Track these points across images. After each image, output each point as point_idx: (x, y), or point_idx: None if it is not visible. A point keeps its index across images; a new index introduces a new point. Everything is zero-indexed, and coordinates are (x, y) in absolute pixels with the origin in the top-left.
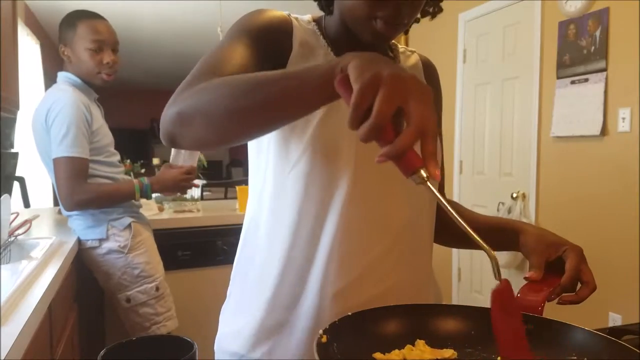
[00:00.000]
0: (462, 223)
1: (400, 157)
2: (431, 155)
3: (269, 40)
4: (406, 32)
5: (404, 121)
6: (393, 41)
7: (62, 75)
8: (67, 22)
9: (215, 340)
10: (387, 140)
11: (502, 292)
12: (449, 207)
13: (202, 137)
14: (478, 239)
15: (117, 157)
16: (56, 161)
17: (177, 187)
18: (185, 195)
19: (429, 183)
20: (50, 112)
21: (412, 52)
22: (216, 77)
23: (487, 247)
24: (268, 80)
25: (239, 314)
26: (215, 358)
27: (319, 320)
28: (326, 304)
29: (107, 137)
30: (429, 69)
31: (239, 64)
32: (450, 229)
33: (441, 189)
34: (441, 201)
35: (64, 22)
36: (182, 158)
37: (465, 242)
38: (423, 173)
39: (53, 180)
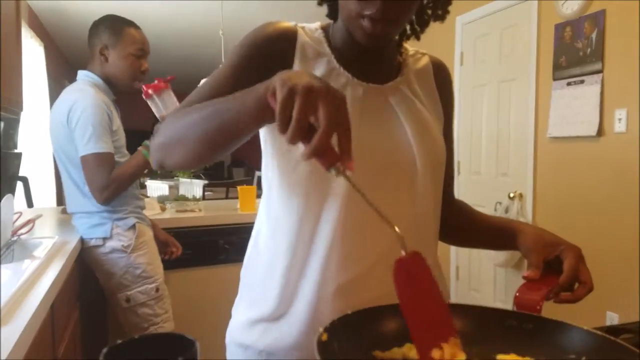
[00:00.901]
0: (372, 204)
1: (318, 155)
2: (345, 149)
3: (267, 57)
4: (418, 38)
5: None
6: (404, 45)
7: (83, 74)
8: (113, 26)
9: (227, 333)
10: (307, 143)
11: (408, 261)
12: (364, 194)
13: (181, 161)
14: (384, 216)
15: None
16: (84, 159)
17: None
18: (187, 195)
19: (347, 174)
20: (73, 111)
21: (423, 54)
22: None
23: (395, 228)
24: (218, 105)
25: (248, 307)
26: (227, 350)
27: (320, 315)
28: (327, 299)
29: (123, 138)
30: (439, 70)
31: (230, 92)
32: (460, 229)
33: (450, 190)
34: (358, 191)
35: (108, 25)
36: (163, 109)
37: (471, 242)
38: (340, 165)
39: (68, 179)
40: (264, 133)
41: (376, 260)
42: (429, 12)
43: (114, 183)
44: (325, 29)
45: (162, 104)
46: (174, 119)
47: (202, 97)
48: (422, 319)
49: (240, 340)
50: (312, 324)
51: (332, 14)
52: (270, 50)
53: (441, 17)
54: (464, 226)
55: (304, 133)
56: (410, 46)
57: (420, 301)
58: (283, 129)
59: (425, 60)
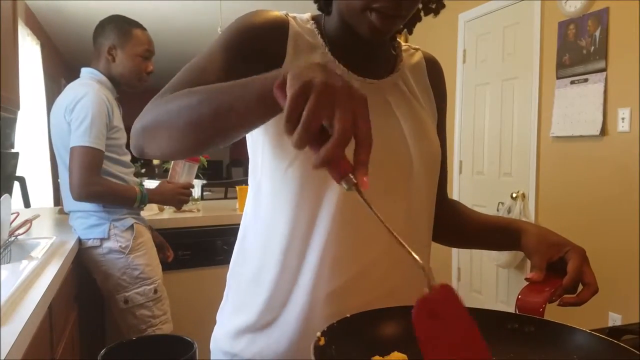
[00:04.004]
0: (390, 230)
1: (326, 165)
2: (361, 163)
3: (258, 45)
4: (410, 32)
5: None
6: (398, 40)
7: (86, 71)
8: (121, 27)
9: (211, 339)
10: (316, 149)
11: (429, 300)
12: (379, 216)
13: (165, 149)
14: (405, 245)
15: (129, 157)
16: (74, 150)
17: (174, 201)
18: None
19: (359, 190)
20: (74, 103)
21: (416, 49)
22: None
23: (417, 258)
24: (217, 90)
25: (235, 314)
26: (211, 357)
27: (311, 322)
28: (318, 305)
29: (124, 137)
30: (432, 66)
31: (216, 77)
32: (450, 228)
33: (443, 189)
34: (370, 208)
35: (116, 25)
36: (180, 175)
37: (463, 242)
38: (352, 179)
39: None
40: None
41: (367, 263)
42: (420, 6)
43: (103, 187)
44: (316, 20)
45: (182, 170)
46: (160, 103)
47: (186, 84)
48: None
49: (226, 349)
50: (302, 332)
51: (326, 8)
52: (261, 41)
53: (435, 11)
54: (458, 226)
55: (313, 137)
56: (412, 42)
57: (446, 341)
58: (290, 129)
59: (418, 56)
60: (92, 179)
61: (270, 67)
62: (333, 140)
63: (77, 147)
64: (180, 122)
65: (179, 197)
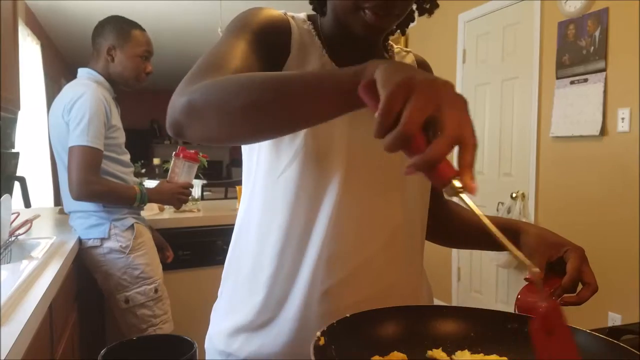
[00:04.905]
0: (498, 233)
1: (431, 169)
2: (467, 165)
3: (268, 40)
4: (403, 33)
5: (432, 132)
6: (390, 42)
7: (84, 71)
8: (120, 28)
9: (206, 339)
10: (414, 151)
11: (548, 316)
12: (485, 218)
13: (211, 132)
14: (515, 249)
15: (128, 156)
16: (72, 149)
17: (173, 200)
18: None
19: (463, 195)
20: (70, 103)
21: (408, 52)
22: (222, 73)
23: (526, 260)
24: (288, 78)
25: (230, 313)
26: (206, 356)
27: (306, 320)
28: (313, 304)
29: (122, 136)
30: (422, 68)
31: (242, 61)
32: (449, 229)
33: (439, 191)
34: (479, 214)
35: (115, 26)
36: (179, 175)
37: (462, 243)
38: (456, 184)
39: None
40: None
41: (363, 261)
42: (414, 6)
43: (103, 187)
44: (313, 20)
45: (181, 170)
46: (210, 84)
47: (213, 67)
48: None
49: (222, 348)
50: (298, 330)
51: (320, 9)
52: (270, 36)
53: (428, 11)
54: (456, 227)
55: (413, 140)
56: (413, 43)
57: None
58: (383, 131)
59: (410, 59)
60: (91, 178)
61: (277, 61)
62: (442, 143)
63: (75, 146)
64: (238, 105)
65: (178, 197)
